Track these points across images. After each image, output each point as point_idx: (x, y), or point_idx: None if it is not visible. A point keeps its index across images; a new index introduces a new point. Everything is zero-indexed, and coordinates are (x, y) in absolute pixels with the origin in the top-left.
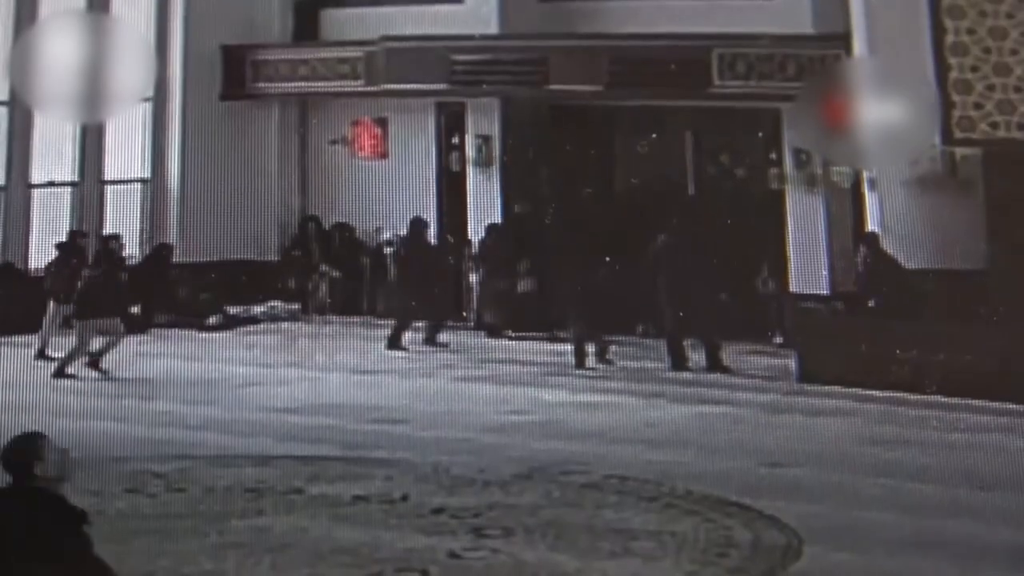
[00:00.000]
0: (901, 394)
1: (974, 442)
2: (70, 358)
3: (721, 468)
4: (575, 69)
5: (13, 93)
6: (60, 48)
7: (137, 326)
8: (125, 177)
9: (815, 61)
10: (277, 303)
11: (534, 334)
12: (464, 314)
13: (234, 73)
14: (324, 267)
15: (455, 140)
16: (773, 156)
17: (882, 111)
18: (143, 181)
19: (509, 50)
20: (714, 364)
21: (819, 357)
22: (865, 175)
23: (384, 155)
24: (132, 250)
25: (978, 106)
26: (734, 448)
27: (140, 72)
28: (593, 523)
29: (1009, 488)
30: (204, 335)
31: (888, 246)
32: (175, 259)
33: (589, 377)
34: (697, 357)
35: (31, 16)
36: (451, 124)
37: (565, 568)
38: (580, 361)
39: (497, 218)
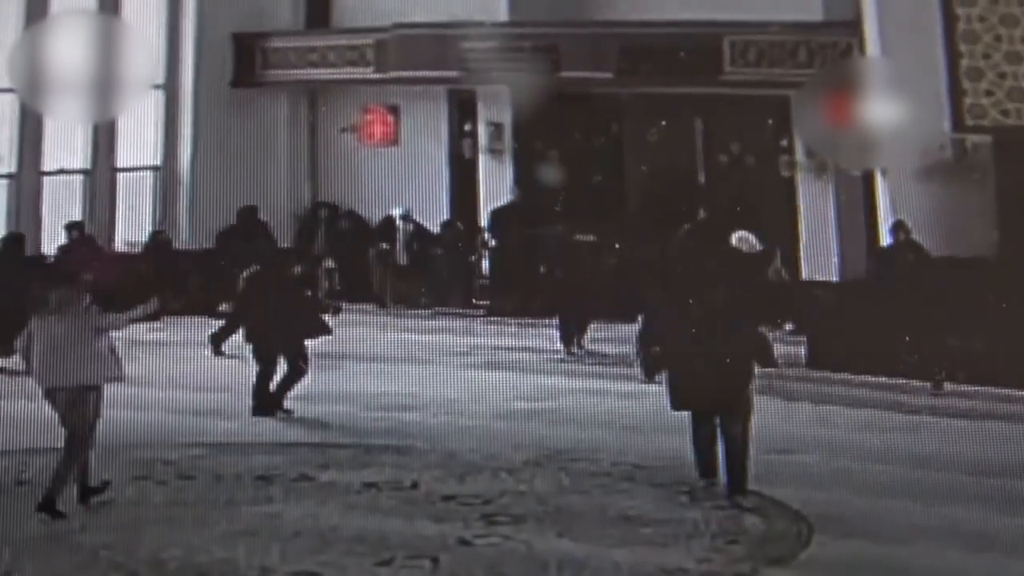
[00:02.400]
0: (910, 381)
1: (983, 429)
2: None
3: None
4: (585, 56)
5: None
6: (68, 44)
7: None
8: (136, 165)
9: (826, 48)
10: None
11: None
12: (474, 301)
13: (245, 61)
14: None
15: (467, 127)
16: (784, 143)
17: (891, 104)
18: (154, 169)
19: (519, 37)
20: None
21: (828, 344)
22: None
23: (395, 142)
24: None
25: (989, 93)
26: None
27: (149, 65)
28: (603, 510)
29: (1018, 475)
30: (215, 322)
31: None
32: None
33: (598, 364)
34: None
35: (41, 9)
36: (463, 111)
37: (575, 555)
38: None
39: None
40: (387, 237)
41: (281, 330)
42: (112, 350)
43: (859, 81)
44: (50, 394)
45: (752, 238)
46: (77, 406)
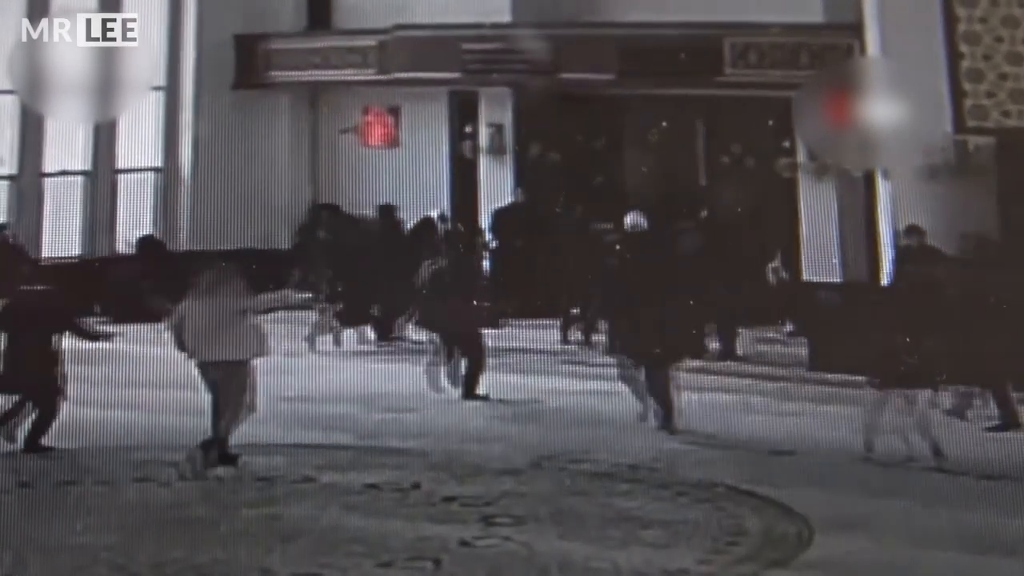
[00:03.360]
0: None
1: (985, 432)
2: None
3: (732, 456)
4: (586, 58)
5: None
6: (69, 44)
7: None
8: (137, 166)
9: (827, 50)
10: (289, 292)
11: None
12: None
13: (246, 62)
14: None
15: (468, 129)
16: (786, 145)
17: (893, 105)
18: (155, 170)
19: (521, 39)
20: (727, 352)
21: (830, 345)
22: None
23: (396, 144)
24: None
25: (990, 95)
26: (745, 436)
27: (149, 66)
28: (603, 512)
29: (1021, 477)
30: None
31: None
32: (186, 247)
33: (600, 365)
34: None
35: (43, 9)
36: (464, 113)
37: (575, 556)
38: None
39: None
40: (426, 240)
41: (462, 319)
42: (256, 328)
43: (860, 82)
44: (203, 368)
45: (642, 219)
46: (228, 379)
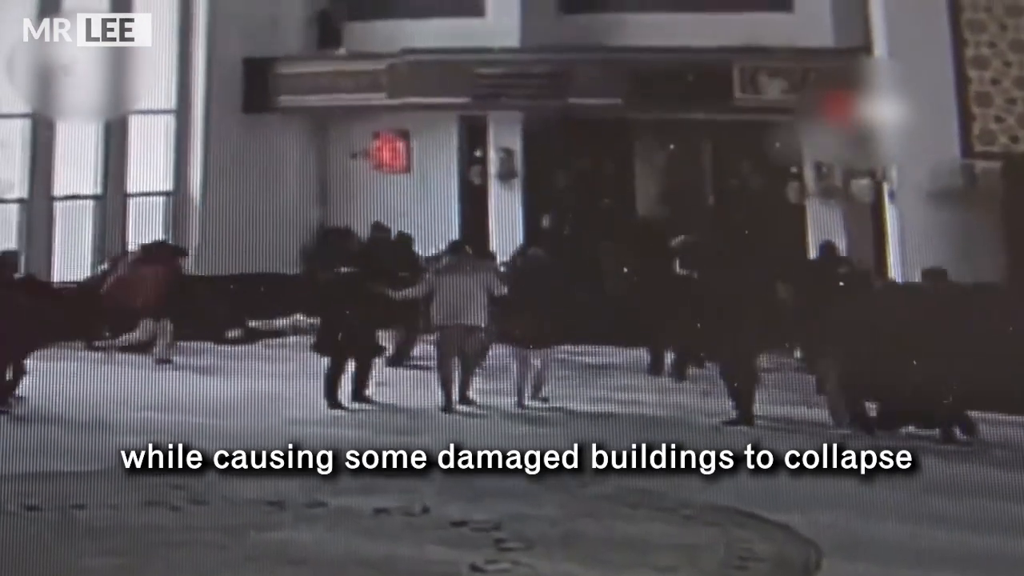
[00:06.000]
0: None
1: (993, 455)
2: None
3: (740, 479)
4: (596, 82)
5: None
6: (75, 53)
7: None
8: (148, 190)
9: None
10: (300, 316)
11: None
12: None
13: (256, 86)
14: None
15: (477, 153)
16: (794, 169)
17: (899, 114)
18: (166, 194)
19: (530, 63)
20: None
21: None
22: (885, 188)
23: (406, 169)
24: None
25: (998, 119)
26: (751, 458)
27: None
28: (611, 535)
29: None
30: (224, 348)
31: (908, 259)
32: (196, 271)
33: (610, 388)
34: None
35: (50, 10)
36: (473, 137)
37: None
38: None
39: (518, 231)
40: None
41: None
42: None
43: (863, 95)
44: (447, 332)
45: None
46: (470, 340)
